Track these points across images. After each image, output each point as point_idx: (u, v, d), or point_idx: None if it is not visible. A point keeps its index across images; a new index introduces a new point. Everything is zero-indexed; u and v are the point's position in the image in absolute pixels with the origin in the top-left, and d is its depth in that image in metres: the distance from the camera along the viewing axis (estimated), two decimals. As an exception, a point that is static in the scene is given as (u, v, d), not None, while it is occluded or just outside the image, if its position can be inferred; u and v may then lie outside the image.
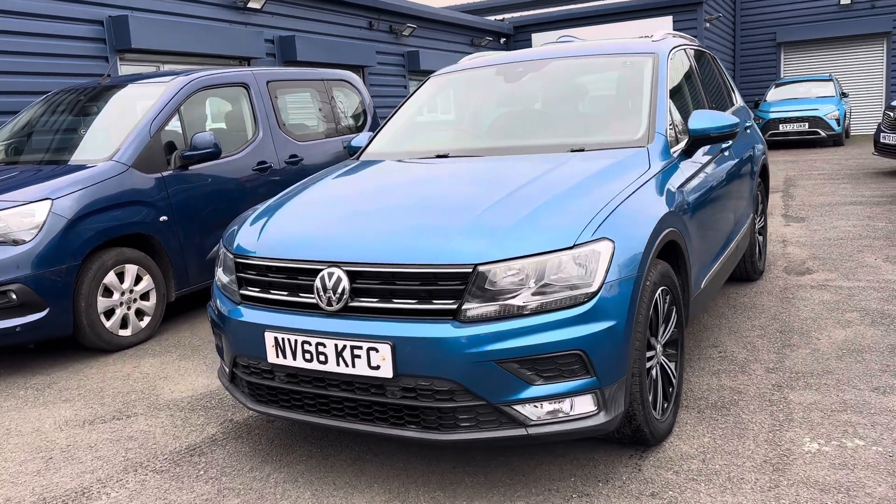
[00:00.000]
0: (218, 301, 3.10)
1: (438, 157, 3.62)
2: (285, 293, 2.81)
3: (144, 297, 5.07)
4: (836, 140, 17.21)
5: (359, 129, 7.49)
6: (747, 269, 5.25)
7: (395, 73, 14.03)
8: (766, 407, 3.29)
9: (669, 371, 3.06)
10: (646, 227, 2.76)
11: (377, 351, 2.53)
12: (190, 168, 5.44)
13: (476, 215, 2.69)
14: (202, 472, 3.05)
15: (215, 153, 5.44)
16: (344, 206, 3.10)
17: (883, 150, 10.97)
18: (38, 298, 4.43)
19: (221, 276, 3.17)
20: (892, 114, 10.81)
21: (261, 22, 10.60)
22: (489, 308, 2.47)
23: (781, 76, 21.85)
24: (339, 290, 2.63)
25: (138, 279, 5.02)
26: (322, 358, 2.64)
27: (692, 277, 3.33)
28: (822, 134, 16.91)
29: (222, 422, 3.57)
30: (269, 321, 2.78)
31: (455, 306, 2.49)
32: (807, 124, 16.95)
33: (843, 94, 18.32)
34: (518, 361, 2.45)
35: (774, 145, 17.75)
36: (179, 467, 3.12)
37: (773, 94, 18.50)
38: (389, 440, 3.15)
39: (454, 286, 2.50)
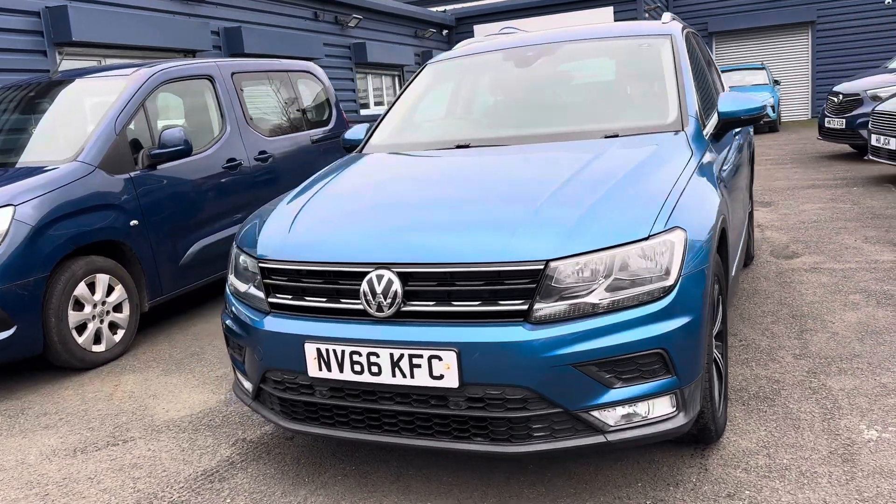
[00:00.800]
0: (236, 310, 2.81)
1: (459, 147, 3.40)
2: (324, 300, 2.55)
3: (117, 308, 4.67)
4: (772, 126, 17.71)
5: (324, 123, 7.18)
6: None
7: (342, 66, 13.65)
8: (810, 395, 3.20)
9: (719, 364, 2.93)
10: (709, 214, 2.61)
11: (440, 359, 2.30)
12: (158, 167, 5.05)
13: (535, 208, 2.48)
14: (229, 501, 2.76)
15: (186, 150, 5.06)
16: (380, 201, 2.85)
17: (827, 134, 11.28)
18: (3, 315, 4.01)
19: (238, 284, 2.88)
20: (835, 98, 11.11)
21: (206, 13, 10.10)
22: (561, 307, 2.28)
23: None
24: (391, 295, 2.39)
25: (110, 290, 4.62)
26: (374, 369, 2.40)
27: (731, 265, 3.22)
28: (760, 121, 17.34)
29: (234, 442, 3.27)
30: (308, 331, 2.51)
31: (525, 307, 2.28)
32: (743, 111, 17.33)
33: (776, 82, 18.87)
34: (597, 364, 2.27)
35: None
36: (201, 496, 2.82)
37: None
38: (452, 455, 2.92)
39: (523, 285, 2.29)
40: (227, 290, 3.01)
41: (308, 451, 3.10)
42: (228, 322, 2.89)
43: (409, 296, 2.40)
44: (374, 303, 2.41)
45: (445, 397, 2.36)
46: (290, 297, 2.63)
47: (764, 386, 3.33)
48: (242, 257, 2.86)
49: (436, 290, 2.38)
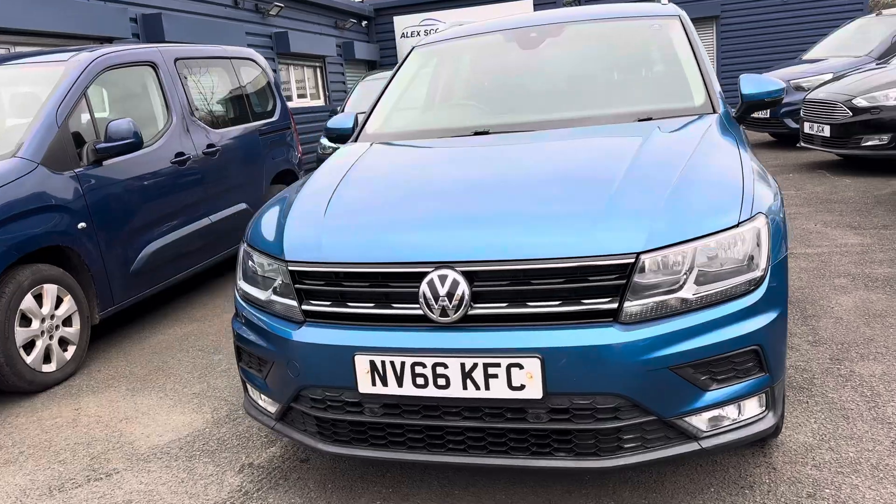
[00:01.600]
0: (256, 320, 2.46)
1: (477, 134, 3.14)
2: (371, 305, 2.24)
3: (66, 322, 4.16)
4: (687, 117, 18.20)
5: (269, 115, 6.74)
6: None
7: (264, 56, 13.02)
8: (844, 383, 3.14)
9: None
10: (776, 198, 2.46)
11: (521, 367, 2.05)
12: (104, 163, 4.54)
13: (609, 195, 2.26)
14: (258, 539, 2.42)
15: (137, 144, 4.57)
16: (421, 193, 2.55)
17: (751, 123, 11.62)
18: (-60, 336, 3.46)
19: (251, 289, 2.53)
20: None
21: (122, -2, 9.37)
22: (652, 304, 2.06)
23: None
24: (458, 297, 2.11)
25: (58, 301, 4.10)
26: (442, 381, 2.12)
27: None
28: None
29: (241, 468, 2.90)
30: (358, 342, 2.20)
31: (615, 305, 2.06)
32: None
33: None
34: (693, 365, 2.07)
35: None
36: (221, 535, 2.46)
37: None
38: (530, 473, 2.66)
39: (611, 281, 2.06)
40: (237, 296, 2.65)
41: (331, 474, 2.78)
42: (243, 333, 2.54)
43: (475, 297, 2.13)
44: (436, 307, 2.13)
45: (524, 409, 2.11)
46: (328, 303, 2.31)
47: (794, 375, 3.24)
48: (258, 259, 2.51)
49: (507, 290, 2.12)
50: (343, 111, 10.82)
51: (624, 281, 2.06)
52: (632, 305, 2.05)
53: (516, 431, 2.14)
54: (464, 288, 2.11)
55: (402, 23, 18.26)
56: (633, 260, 2.05)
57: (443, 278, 2.13)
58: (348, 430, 2.33)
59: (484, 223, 2.24)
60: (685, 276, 2.09)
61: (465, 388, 2.10)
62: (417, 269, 2.17)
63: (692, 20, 22.05)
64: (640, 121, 2.99)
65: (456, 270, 2.13)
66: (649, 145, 2.62)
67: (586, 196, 2.29)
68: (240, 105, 6.35)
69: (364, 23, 17.99)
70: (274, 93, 6.98)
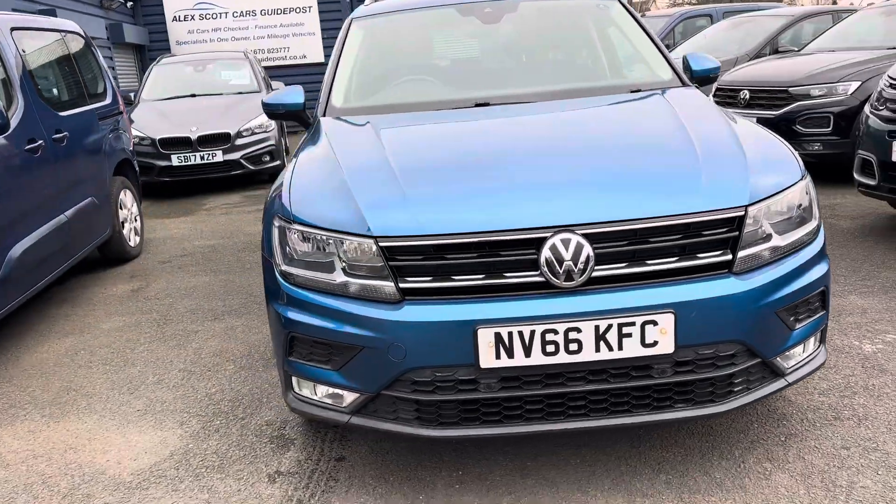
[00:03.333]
0: (334, 307, 2.22)
1: (478, 105, 3.08)
2: (480, 276, 2.14)
3: (-64, 344, 3.37)
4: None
5: (102, 97, 5.95)
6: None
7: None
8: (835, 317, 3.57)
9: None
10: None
11: (655, 324, 2.09)
12: (-43, 150, 3.73)
13: (696, 155, 2.36)
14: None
15: (3, 126, 3.81)
16: (495, 159, 2.47)
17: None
18: None
19: (318, 275, 2.28)
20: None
21: None
22: (756, 253, 2.22)
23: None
24: (583, 260, 2.09)
25: (-73, 319, 3.31)
26: (573, 347, 2.09)
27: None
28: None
29: (269, 478, 2.59)
30: (479, 315, 2.09)
31: (728, 257, 2.18)
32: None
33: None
34: (789, 308, 2.27)
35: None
36: (308, 549, 2.19)
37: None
38: (649, 428, 2.66)
39: (723, 234, 2.18)
40: (284, 283, 2.36)
41: (381, 467, 2.59)
42: (307, 323, 2.27)
43: (597, 260, 2.13)
44: (561, 272, 2.09)
45: (649, 366, 2.15)
46: (428, 279, 2.16)
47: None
48: (324, 238, 2.25)
49: (626, 250, 2.15)
50: (139, 100, 9.83)
51: (736, 233, 2.18)
52: (743, 256, 2.19)
53: (639, 389, 2.18)
54: (588, 251, 2.10)
55: (172, 5, 16.95)
56: (742, 213, 2.19)
57: (566, 242, 2.10)
58: (457, 410, 2.20)
59: (593, 185, 2.25)
60: (776, 225, 2.27)
61: (597, 350, 2.10)
62: (536, 234, 2.11)
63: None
64: (632, 91, 3.14)
65: (577, 234, 2.11)
66: (682, 109, 2.78)
67: (673, 156, 2.38)
68: (77, 85, 5.54)
69: (129, 3, 16.43)
70: (103, 72, 6.17)
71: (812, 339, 2.43)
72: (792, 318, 2.29)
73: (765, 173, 2.32)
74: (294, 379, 2.43)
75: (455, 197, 2.27)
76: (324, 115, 3.24)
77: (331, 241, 2.25)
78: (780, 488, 2.31)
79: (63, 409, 3.30)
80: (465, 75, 3.46)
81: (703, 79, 3.53)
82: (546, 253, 2.10)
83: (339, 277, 2.24)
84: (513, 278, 2.13)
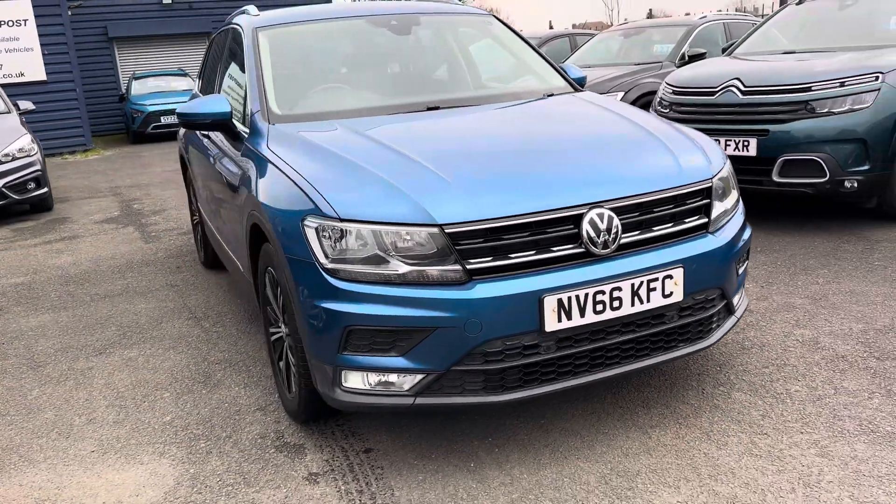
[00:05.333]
0: (401, 295, 2.35)
1: (429, 109, 3.31)
2: (532, 252, 2.43)
3: None
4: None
5: None
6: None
7: None
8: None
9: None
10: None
11: (671, 277, 2.55)
12: None
13: (660, 140, 2.87)
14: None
15: None
16: (499, 152, 2.80)
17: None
18: None
19: (377, 269, 2.38)
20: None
21: None
22: (719, 215, 2.79)
23: (118, 70, 21.83)
24: (614, 230, 2.49)
25: None
26: (616, 304, 2.47)
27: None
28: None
29: (308, 480, 2.60)
30: (542, 285, 2.38)
31: (705, 220, 2.72)
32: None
33: (202, 87, 19.67)
34: (738, 260, 2.86)
35: (155, 138, 17.87)
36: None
37: (137, 88, 18.56)
38: (661, 366, 3.03)
39: (700, 201, 2.71)
40: (335, 280, 2.41)
41: (415, 447, 2.74)
42: (375, 313, 2.36)
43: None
44: (599, 241, 2.47)
45: (663, 314, 2.61)
46: (489, 258, 2.40)
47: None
48: (384, 231, 2.37)
49: (639, 219, 2.58)
50: None
51: (707, 200, 2.73)
52: (713, 218, 2.74)
53: (653, 335, 2.62)
54: (616, 222, 2.50)
55: None
56: (711, 184, 2.74)
57: (601, 216, 2.48)
58: (519, 374, 2.45)
59: (604, 169, 2.65)
60: (723, 195, 2.86)
61: (632, 304, 2.50)
62: (575, 211, 2.47)
63: (186, 34, 22.23)
64: (548, 96, 3.60)
65: (606, 208, 2.50)
66: (614, 107, 3.30)
67: (647, 143, 2.88)
68: None
69: None
70: None
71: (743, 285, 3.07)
72: (739, 267, 2.91)
73: (710, 153, 2.92)
74: (343, 373, 2.48)
75: (502, 183, 2.53)
76: (270, 123, 3.23)
77: (389, 234, 2.37)
78: (741, 401, 2.90)
79: (11, 458, 2.88)
80: (401, 82, 3.66)
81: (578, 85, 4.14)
82: (585, 226, 2.45)
83: (400, 267, 2.37)
84: (558, 251, 2.45)
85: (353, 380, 2.49)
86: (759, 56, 6.17)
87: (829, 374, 3.08)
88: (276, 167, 2.85)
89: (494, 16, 4.26)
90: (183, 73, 19.51)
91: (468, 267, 2.37)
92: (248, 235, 3.13)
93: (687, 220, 2.68)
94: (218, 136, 3.84)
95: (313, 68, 3.72)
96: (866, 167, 4.94)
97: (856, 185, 4.97)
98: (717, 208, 2.77)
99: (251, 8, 4.09)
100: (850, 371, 3.09)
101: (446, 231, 2.36)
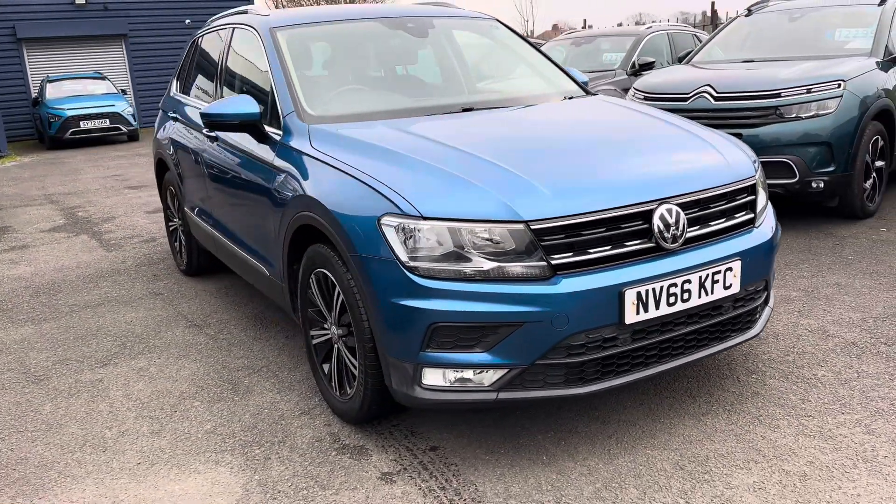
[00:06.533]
0: (487, 290, 2.39)
1: (465, 110, 3.34)
2: (608, 247, 2.51)
3: None
4: (133, 135, 17.72)
5: None
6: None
7: None
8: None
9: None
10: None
11: (731, 269, 2.68)
12: None
13: (704, 141, 3.01)
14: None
15: None
16: (565, 149, 2.87)
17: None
18: None
19: (462, 266, 2.41)
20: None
21: None
22: (760, 210, 2.95)
23: (28, 73, 20.76)
24: (681, 225, 2.60)
25: None
26: (686, 296, 2.58)
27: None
28: (123, 129, 17.26)
29: (384, 480, 2.58)
30: (623, 279, 2.46)
31: (752, 215, 2.87)
32: (108, 120, 16.98)
33: (123, 91, 18.97)
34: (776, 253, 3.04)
35: (75, 144, 17.09)
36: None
37: (52, 91, 17.67)
38: (718, 354, 3.11)
39: (747, 197, 2.87)
40: (417, 277, 2.41)
41: (481, 444, 2.76)
42: (462, 310, 2.38)
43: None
44: (668, 236, 2.57)
45: (720, 305, 2.73)
46: (570, 254, 2.46)
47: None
48: (462, 228, 2.39)
49: (699, 215, 2.70)
50: None
51: (753, 196, 2.89)
52: (758, 213, 2.90)
53: (711, 325, 2.75)
54: (683, 217, 2.61)
55: None
56: (755, 182, 2.90)
57: (669, 212, 2.58)
58: (597, 367, 2.52)
59: (664, 168, 2.75)
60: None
61: (699, 296, 2.61)
62: (647, 207, 2.56)
63: (102, 37, 21.34)
64: (567, 98, 3.70)
65: (672, 204, 2.60)
66: (643, 109, 3.44)
67: (693, 143, 3.00)
68: None
69: None
70: None
71: (769, 277, 3.25)
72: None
73: (747, 151, 3.08)
74: (424, 371, 2.49)
75: (580, 180, 2.59)
76: (307, 124, 3.18)
77: (472, 231, 2.40)
78: (776, 387, 3.07)
79: (32, 488, 2.71)
80: (430, 84, 3.67)
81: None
82: (656, 221, 2.55)
83: (484, 264, 2.40)
84: (631, 246, 2.54)
85: (433, 377, 2.50)
86: (720, 64, 6.48)
87: (847, 360, 3.29)
88: (333, 167, 2.82)
89: (498, 20, 4.34)
90: (101, 76, 18.71)
91: (552, 262, 2.42)
92: (287, 237, 3.08)
93: (737, 216, 2.82)
94: (232, 138, 3.74)
95: (337, 70, 3.69)
96: (831, 168, 5.29)
97: (822, 185, 5.30)
98: (761, 203, 2.93)
99: (256, 6, 4.02)
100: (865, 356, 3.31)
101: (532, 227, 2.40)
